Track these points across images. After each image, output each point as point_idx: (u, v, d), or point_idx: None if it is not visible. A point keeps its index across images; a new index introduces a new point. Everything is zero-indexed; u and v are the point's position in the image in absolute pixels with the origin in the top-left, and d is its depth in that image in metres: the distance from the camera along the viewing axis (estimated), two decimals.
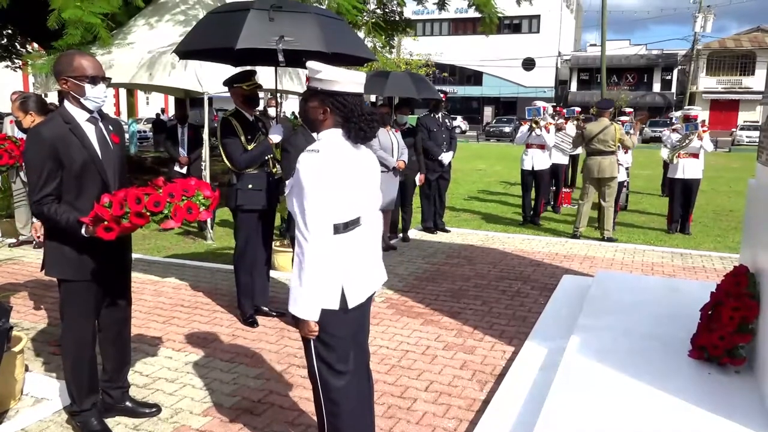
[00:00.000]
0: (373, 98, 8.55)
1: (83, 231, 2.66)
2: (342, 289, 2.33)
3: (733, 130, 36.28)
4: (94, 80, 2.78)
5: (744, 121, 37.67)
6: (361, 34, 10.21)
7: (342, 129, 2.37)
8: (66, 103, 2.82)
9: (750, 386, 2.94)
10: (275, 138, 4.57)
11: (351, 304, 2.36)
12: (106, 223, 2.55)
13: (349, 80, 2.34)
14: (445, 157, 7.81)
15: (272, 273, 5.06)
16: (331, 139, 2.37)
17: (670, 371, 3.11)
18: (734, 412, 2.68)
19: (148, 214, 2.56)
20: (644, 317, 3.96)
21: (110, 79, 2.97)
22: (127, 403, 3.19)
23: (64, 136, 2.72)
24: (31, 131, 2.78)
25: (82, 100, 2.78)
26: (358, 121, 2.33)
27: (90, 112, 2.83)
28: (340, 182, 2.28)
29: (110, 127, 2.93)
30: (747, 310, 3.02)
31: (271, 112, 6.86)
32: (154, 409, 3.23)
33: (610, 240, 7.85)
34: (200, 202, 2.70)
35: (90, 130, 2.83)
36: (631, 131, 9.22)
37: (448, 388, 3.60)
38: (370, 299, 2.55)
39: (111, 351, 3.14)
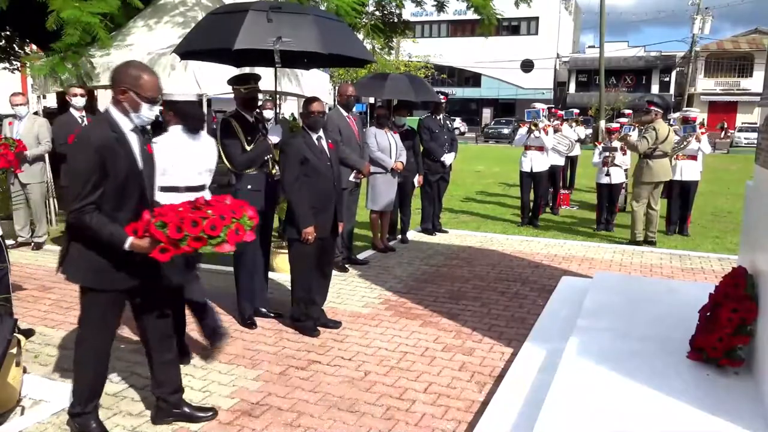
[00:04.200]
0: (371, 100, 8.57)
1: (126, 245, 2.64)
2: None
3: (732, 131, 36.32)
4: (153, 102, 2.78)
5: (742, 123, 37.71)
6: (360, 36, 10.22)
7: (181, 125, 3.73)
8: (112, 110, 2.77)
9: (749, 388, 2.94)
10: (275, 138, 4.57)
11: None
12: (162, 244, 2.56)
13: (182, 93, 3.94)
14: (447, 158, 7.82)
15: (270, 274, 5.06)
16: (171, 132, 3.74)
17: (668, 373, 3.11)
18: (733, 413, 2.68)
19: (206, 237, 2.56)
20: (643, 319, 3.96)
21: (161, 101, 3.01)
22: (185, 409, 3.16)
23: (111, 145, 2.68)
24: (79, 137, 2.73)
25: (132, 114, 2.76)
26: (190, 120, 3.73)
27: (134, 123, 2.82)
28: (162, 161, 3.37)
29: (145, 136, 2.94)
30: (745, 311, 3.02)
31: (267, 114, 6.84)
32: (210, 413, 3.20)
33: (652, 243, 7.71)
34: (245, 224, 2.70)
35: (134, 141, 2.79)
36: (630, 133, 9.24)
37: (447, 390, 3.60)
38: None
39: (164, 365, 3.10)
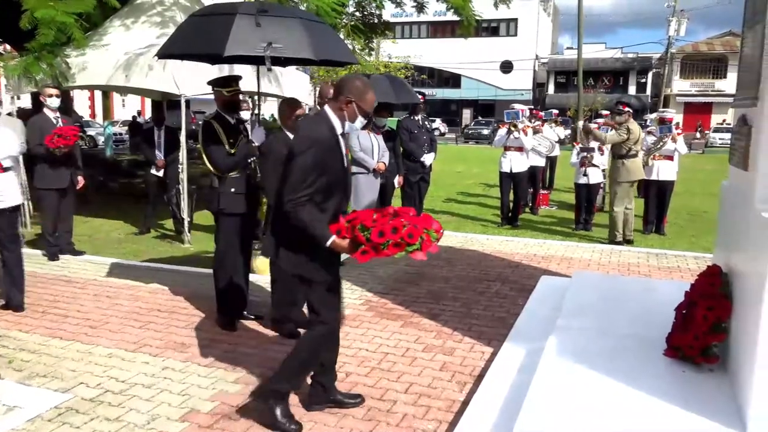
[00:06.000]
0: None
1: (328, 243, 2.81)
2: None
3: (707, 132, 36.95)
4: (367, 117, 3.04)
5: (717, 123, 38.37)
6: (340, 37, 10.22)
7: None
8: (331, 114, 2.97)
9: (724, 384, 2.98)
10: (257, 140, 4.54)
11: None
12: (363, 247, 2.69)
13: None
14: (427, 159, 7.83)
15: (251, 277, 5.02)
16: None
17: (646, 370, 3.15)
18: (708, 409, 2.73)
19: (404, 243, 2.66)
20: (620, 317, 4.00)
21: None
22: (338, 396, 3.36)
23: (331, 144, 2.92)
24: (308, 134, 2.92)
25: (346, 122, 2.98)
26: None
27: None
28: None
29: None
30: (721, 309, 3.07)
31: (244, 115, 6.79)
32: (358, 399, 3.39)
33: (629, 242, 7.87)
34: (433, 236, 2.78)
35: (342, 144, 3.02)
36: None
37: (428, 390, 3.61)
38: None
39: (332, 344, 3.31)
